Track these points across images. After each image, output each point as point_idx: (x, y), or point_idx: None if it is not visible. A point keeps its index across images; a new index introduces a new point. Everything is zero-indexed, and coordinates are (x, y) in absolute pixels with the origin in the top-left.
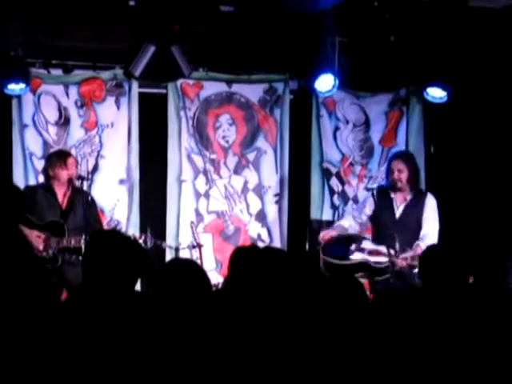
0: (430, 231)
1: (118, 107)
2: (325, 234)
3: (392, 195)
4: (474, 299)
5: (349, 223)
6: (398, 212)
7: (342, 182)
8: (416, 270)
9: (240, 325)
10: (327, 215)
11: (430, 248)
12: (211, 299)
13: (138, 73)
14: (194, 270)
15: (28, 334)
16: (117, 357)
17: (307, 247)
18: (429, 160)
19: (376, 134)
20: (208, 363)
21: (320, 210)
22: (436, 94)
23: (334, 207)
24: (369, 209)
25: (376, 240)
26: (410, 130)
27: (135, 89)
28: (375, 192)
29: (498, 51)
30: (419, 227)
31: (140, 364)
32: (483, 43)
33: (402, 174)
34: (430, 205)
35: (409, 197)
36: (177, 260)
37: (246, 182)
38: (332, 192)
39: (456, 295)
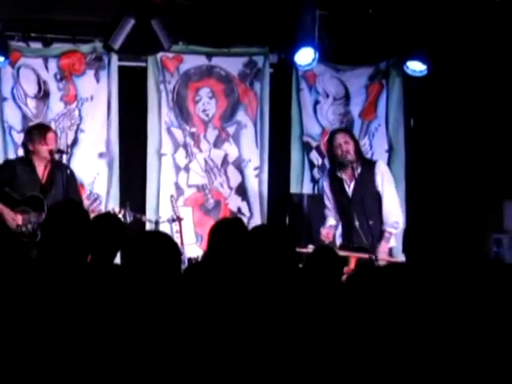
0: (389, 203)
1: (98, 80)
2: (328, 233)
3: (340, 175)
4: (457, 271)
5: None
6: (351, 190)
7: (322, 156)
8: None
9: (218, 297)
10: (307, 189)
11: (413, 223)
12: (180, 271)
13: (117, 46)
14: (162, 241)
15: (4, 307)
16: (85, 329)
17: (287, 221)
18: (409, 133)
19: (356, 108)
20: (180, 336)
21: (300, 184)
22: (416, 67)
23: (313, 180)
24: (326, 188)
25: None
26: (389, 103)
27: (115, 62)
28: (326, 179)
29: (477, 23)
30: (376, 198)
31: (106, 335)
32: (462, 16)
33: (349, 145)
34: (382, 173)
35: (357, 171)
36: (144, 232)
37: (226, 156)
38: (312, 165)
39: (440, 269)
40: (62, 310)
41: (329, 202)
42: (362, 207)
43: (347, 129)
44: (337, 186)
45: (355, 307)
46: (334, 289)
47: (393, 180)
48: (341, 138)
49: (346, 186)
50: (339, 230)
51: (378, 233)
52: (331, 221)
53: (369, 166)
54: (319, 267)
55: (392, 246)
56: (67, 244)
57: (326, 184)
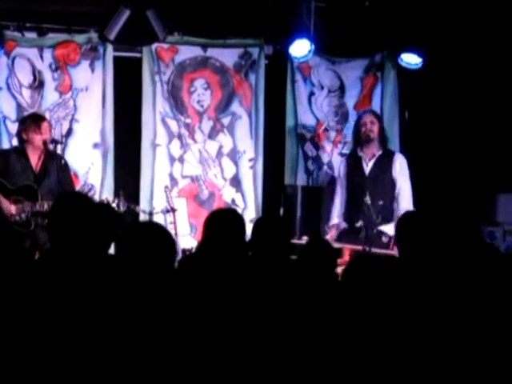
0: (404, 191)
1: (93, 71)
2: (333, 234)
3: (360, 153)
4: (450, 264)
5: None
6: (368, 168)
7: (317, 147)
8: None
9: (213, 288)
10: (301, 180)
11: (406, 215)
12: (174, 262)
13: (112, 36)
14: (157, 232)
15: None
16: (82, 320)
17: (281, 212)
18: (403, 125)
19: (351, 100)
20: (174, 326)
21: (294, 175)
22: (411, 59)
23: (308, 172)
24: (342, 171)
25: (350, 207)
26: (384, 95)
27: (110, 52)
28: (346, 157)
29: (472, 16)
30: (391, 183)
31: (104, 326)
32: (457, 8)
33: (374, 125)
34: (400, 163)
35: (378, 152)
36: (139, 223)
37: (220, 147)
38: (306, 157)
39: (433, 261)
40: (59, 300)
41: (340, 187)
42: (376, 186)
43: (375, 112)
44: (354, 164)
45: (350, 299)
46: (328, 280)
47: (409, 175)
48: (367, 118)
49: (364, 164)
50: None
51: (387, 215)
52: (335, 219)
53: (389, 153)
54: (313, 259)
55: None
56: (75, 235)
57: (342, 168)
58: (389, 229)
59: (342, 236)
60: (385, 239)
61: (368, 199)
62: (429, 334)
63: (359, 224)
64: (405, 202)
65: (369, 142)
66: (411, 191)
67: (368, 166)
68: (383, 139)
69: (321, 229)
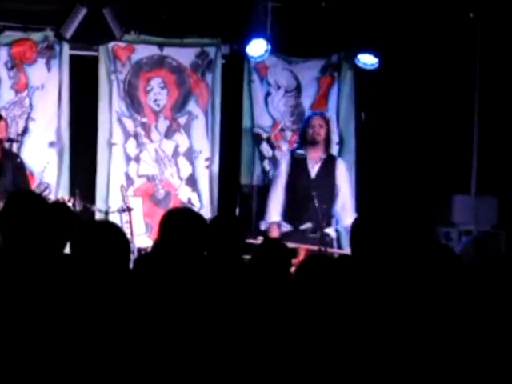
0: (345, 196)
1: (49, 69)
2: (271, 230)
3: (307, 153)
4: (405, 264)
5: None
6: (314, 171)
7: (273, 147)
8: None
9: (168, 287)
10: (257, 180)
11: (361, 217)
12: (129, 261)
13: (69, 35)
14: (111, 231)
15: None
16: (35, 320)
17: (237, 212)
18: (359, 126)
19: (307, 100)
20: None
21: (250, 175)
22: (367, 60)
23: (264, 172)
24: (284, 169)
25: (293, 208)
26: (341, 95)
27: (66, 51)
28: (289, 156)
29: (428, 17)
30: (333, 187)
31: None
32: (413, 9)
33: (322, 128)
34: (342, 168)
35: (323, 156)
36: (93, 222)
37: (176, 146)
38: (262, 157)
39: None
40: (11, 301)
41: (280, 185)
42: (321, 190)
43: (326, 116)
44: (298, 165)
45: (303, 299)
46: (282, 280)
47: (349, 181)
48: (316, 121)
49: (310, 167)
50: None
51: (329, 217)
52: (274, 216)
53: (332, 158)
54: (267, 259)
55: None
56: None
57: (284, 163)
58: (330, 231)
59: (289, 237)
60: (329, 240)
61: (316, 202)
62: (377, 333)
63: (305, 226)
64: (347, 207)
65: (315, 144)
66: (352, 197)
67: (314, 169)
68: (329, 143)
69: (255, 225)
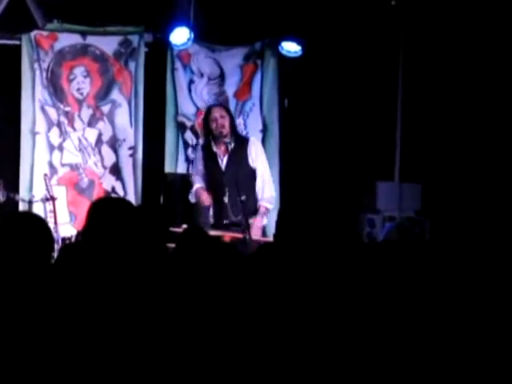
0: (264, 178)
1: None
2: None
3: (214, 149)
4: (329, 252)
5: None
6: (223, 165)
7: (197, 136)
8: None
9: (94, 277)
10: (182, 168)
11: (284, 206)
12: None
13: None
14: (33, 223)
15: None
16: None
17: (162, 200)
18: (283, 114)
19: (231, 88)
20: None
21: (174, 164)
22: (290, 48)
23: (188, 160)
24: (199, 165)
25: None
26: (264, 83)
27: None
28: (201, 151)
29: (351, 5)
30: (250, 174)
31: None
32: None
33: (224, 119)
34: (256, 149)
35: (231, 146)
36: (13, 214)
37: (100, 135)
38: (186, 145)
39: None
40: None
41: (199, 176)
42: (235, 182)
43: (223, 104)
44: (210, 160)
45: (224, 287)
46: (205, 268)
47: (265, 157)
48: (217, 113)
49: (220, 161)
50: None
51: (252, 208)
52: (197, 184)
53: (242, 142)
54: (189, 247)
55: (264, 224)
56: None
57: (199, 158)
58: (258, 221)
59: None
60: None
61: (226, 199)
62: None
63: (225, 222)
64: (268, 189)
65: (221, 137)
66: (271, 176)
67: (223, 162)
68: (234, 130)
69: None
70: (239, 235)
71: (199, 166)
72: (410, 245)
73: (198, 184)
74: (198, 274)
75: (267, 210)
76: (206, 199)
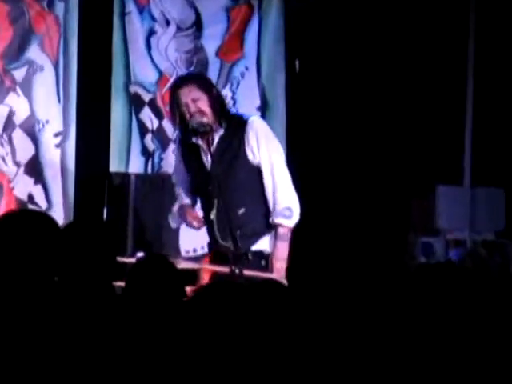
0: (275, 174)
1: None
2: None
3: (196, 141)
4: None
5: None
6: (209, 162)
7: (160, 115)
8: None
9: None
10: (136, 166)
11: (298, 234)
12: None
13: None
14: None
15: None
16: None
17: (105, 214)
18: (291, 80)
19: (212, 42)
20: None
21: (125, 158)
22: None
23: (146, 153)
24: (178, 167)
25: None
26: (263, 35)
27: None
28: (178, 145)
29: None
30: (251, 171)
31: None
32: None
33: (200, 102)
34: (257, 132)
35: (218, 134)
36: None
37: (10, 114)
38: (144, 130)
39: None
40: None
41: (180, 182)
42: (227, 188)
43: (195, 76)
44: (192, 157)
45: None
46: (168, 316)
47: (276, 144)
48: (186, 95)
49: (204, 157)
50: None
51: (257, 228)
52: (185, 199)
53: (236, 126)
54: (145, 286)
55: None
56: None
57: (177, 161)
58: (264, 244)
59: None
60: (263, 262)
61: (212, 215)
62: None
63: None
64: (282, 195)
65: (202, 129)
66: (287, 168)
67: (208, 160)
68: (220, 112)
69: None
70: (224, 269)
71: (180, 168)
72: (488, 281)
73: (184, 200)
74: (158, 331)
75: (285, 228)
76: (195, 219)
